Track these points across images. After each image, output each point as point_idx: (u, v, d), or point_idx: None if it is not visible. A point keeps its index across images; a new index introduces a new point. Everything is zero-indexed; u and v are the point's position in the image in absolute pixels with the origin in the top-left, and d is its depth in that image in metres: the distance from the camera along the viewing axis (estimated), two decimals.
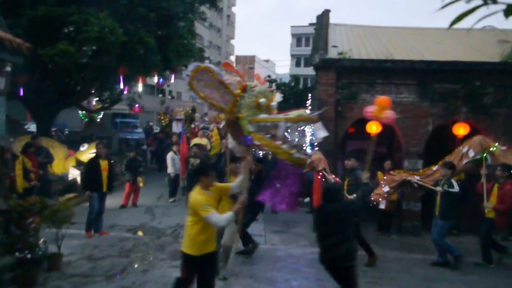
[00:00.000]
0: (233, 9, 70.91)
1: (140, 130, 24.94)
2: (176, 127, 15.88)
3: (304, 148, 11.40)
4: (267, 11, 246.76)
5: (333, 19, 14.27)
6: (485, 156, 7.61)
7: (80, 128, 23.88)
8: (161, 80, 18.72)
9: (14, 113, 17.23)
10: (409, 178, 7.97)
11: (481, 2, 1.39)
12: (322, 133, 5.17)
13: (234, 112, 4.95)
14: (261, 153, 10.42)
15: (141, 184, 11.77)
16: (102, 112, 22.26)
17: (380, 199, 8.21)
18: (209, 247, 4.58)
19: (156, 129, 25.66)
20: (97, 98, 21.36)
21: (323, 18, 13.39)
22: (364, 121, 7.09)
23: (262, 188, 6.38)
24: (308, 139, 10.34)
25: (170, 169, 12.41)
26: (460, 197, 7.40)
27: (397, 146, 10.84)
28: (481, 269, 7.35)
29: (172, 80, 19.83)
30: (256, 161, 7.71)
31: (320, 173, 8.34)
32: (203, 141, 13.83)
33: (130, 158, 11.94)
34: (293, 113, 5.15)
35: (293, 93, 22.69)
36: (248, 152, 5.30)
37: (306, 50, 47.84)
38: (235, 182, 5.06)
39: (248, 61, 78.43)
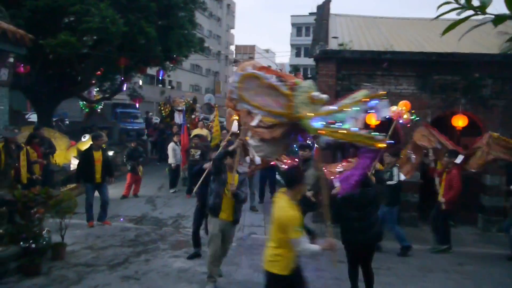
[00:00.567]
0: None
1: (140, 120, 25.00)
2: (178, 118, 15.94)
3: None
4: (267, 0, 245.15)
5: (333, 9, 14.26)
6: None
7: (81, 118, 23.94)
8: (161, 72, 18.74)
9: (15, 103, 17.27)
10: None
11: (471, 13, 1.47)
12: (387, 111, 4.68)
13: (293, 114, 4.44)
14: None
15: (139, 173, 11.86)
16: (103, 103, 22.30)
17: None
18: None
19: (156, 119, 25.72)
20: (98, 89, 21.41)
21: (324, 8, 13.37)
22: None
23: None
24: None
25: (171, 160, 12.49)
26: (400, 186, 7.70)
27: (396, 137, 10.90)
28: (476, 259, 7.48)
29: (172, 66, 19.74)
30: (304, 148, 7.51)
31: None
32: (204, 131, 13.93)
33: (131, 149, 12.02)
34: (359, 94, 4.47)
35: None
36: (283, 151, 5.15)
37: (307, 40, 47.77)
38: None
39: (248, 51, 78.28)
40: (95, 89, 21.82)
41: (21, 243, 6.08)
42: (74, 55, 13.77)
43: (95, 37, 14.63)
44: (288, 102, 4.45)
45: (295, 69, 22.34)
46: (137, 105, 24.90)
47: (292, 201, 3.88)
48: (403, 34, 12.53)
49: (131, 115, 24.82)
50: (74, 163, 12.23)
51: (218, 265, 5.79)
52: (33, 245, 6.06)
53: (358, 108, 4.25)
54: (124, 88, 19.14)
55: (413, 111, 7.98)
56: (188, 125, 15.26)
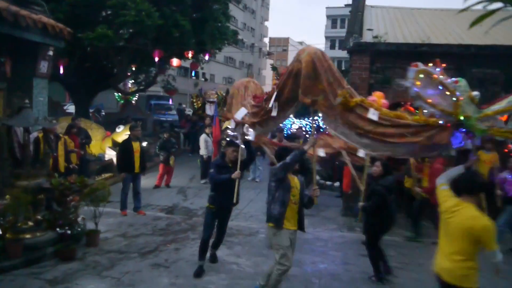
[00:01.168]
0: None
1: (173, 112, 25.39)
2: (209, 110, 16.09)
3: None
4: None
5: (369, 1, 13.99)
6: None
7: (116, 109, 24.55)
8: (193, 73, 18.73)
9: (55, 95, 17.89)
10: (343, 152, 8.09)
11: (500, 5, 1.41)
12: None
13: (459, 114, 4.22)
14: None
15: (171, 162, 12.05)
16: (137, 94, 22.75)
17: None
18: None
19: (189, 111, 26.03)
20: (133, 81, 21.85)
21: (359, 0, 13.12)
22: (397, 106, 7.04)
23: None
24: None
25: (202, 151, 12.63)
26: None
27: None
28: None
29: (206, 58, 19.87)
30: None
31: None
32: None
33: (164, 140, 12.23)
34: None
35: None
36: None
37: (341, 32, 46.95)
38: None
39: (282, 43, 77.87)
40: (130, 81, 22.27)
41: (58, 229, 6.32)
42: (110, 48, 14.10)
43: (131, 30, 14.92)
44: (455, 101, 4.22)
45: None
46: (170, 99, 25.23)
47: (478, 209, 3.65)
48: (441, 25, 12.14)
49: (165, 107, 25.25)
50: (109, 153, 12.58)
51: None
52: (69, 232, 6.29)
53: None
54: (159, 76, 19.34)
55: None
56: (220, 117, 15.36)
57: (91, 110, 19.66)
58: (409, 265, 6.71)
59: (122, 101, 23.51)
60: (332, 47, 58.50)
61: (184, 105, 28.71)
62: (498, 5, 1.42)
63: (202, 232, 6.09)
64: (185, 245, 7.12)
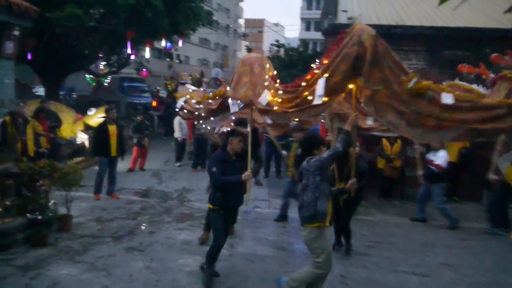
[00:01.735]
0: None
1: (147, 94, 24.98)
2: (187, 90, 15.90)
3: None
4: None
5: None
6: None
7: (88, 92, 23.98)
8: (168, 44, 18.56)
9: (23, 77, 17.31)
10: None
11: None
12: None
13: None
14: None
15: (145, 144, 11.91)
16: (110, 76, 22.25)
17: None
18: None
19: (163, 93, 25.70)
20: (105, 62, 21.33)
21: None
22: None
23: None
24: None
25: (177, 134, 12.52)
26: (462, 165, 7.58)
27: None
28: (478, 235, 7.49)
29: (180, 44, 19.68)
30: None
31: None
32: None
33: (138, 122, 12.05)
34: None
35: (302, 58, 22.38)
36: None
37: (317, 14, 46.87)
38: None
39: (257, 25, 77.16)
40: (102, 63, 21.73)
41: (28, 214, 6.17)
42: (81, 28, 13.68)
43: (102, 10, 14.49)
44: None
45: (304, 43, 22.05)
46: (145, 77, 24.78)
47: None
48: (414, 8, 12.24)
49: (138, 89, 24.77)
50: (80, 137, 12.32)
51: None
52: (40, 217, 6.15)
53: None
54: (132, 57, 18.90)
55: None
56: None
57: (62, 93, 19.15)
58: (381, 244, 6.87)
59: (94, 84, 22.96)
60: (308, 28, 58.35)
61: (158, 88, 28.26)
62: None
63: (213, 239, 5.22)
64: (160, 228, 7.08)
